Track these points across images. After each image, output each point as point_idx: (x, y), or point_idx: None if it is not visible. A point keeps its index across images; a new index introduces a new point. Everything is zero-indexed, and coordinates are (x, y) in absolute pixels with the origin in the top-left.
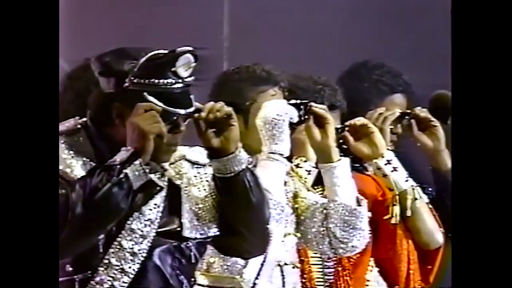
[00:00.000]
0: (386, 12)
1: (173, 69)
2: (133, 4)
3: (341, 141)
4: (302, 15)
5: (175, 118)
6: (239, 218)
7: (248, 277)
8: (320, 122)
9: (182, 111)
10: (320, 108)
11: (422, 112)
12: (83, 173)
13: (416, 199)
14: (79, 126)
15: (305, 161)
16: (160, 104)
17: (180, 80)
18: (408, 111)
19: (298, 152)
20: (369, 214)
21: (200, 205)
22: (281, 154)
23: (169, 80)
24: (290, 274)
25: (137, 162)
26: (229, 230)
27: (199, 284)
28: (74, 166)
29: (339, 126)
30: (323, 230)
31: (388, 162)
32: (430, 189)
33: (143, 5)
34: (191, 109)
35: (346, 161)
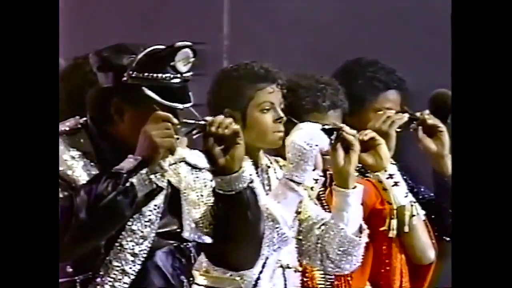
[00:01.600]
0: (386, 11)
1: (172, 63)
2: (133, 4)
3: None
4: (302, 14)
5: (191, 129)
6: (233, 232)
7: (249, 279)
8: (346, 147)
9: (180, 106)
10: (350, 134)
11: (431, 119)
12: (84, 174)
13: (413, 215)
14: (79, 125)
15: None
16: (158, 98)
17: (178, 75)
18: (418, 114)
19: None
20: (367, 240)
21: (198, 210)
22: (301, 184)
23: (168, 75)
24: (292, 278)
25: (143, 171)
26: (222, 240)
27: (199, 284)
28: (75, 167)
29: None
30: (317, 246)
31: (390, 176)
32: (422, 189)
33: (143, 4)
34: (189, 104)
35: (360, 188)
